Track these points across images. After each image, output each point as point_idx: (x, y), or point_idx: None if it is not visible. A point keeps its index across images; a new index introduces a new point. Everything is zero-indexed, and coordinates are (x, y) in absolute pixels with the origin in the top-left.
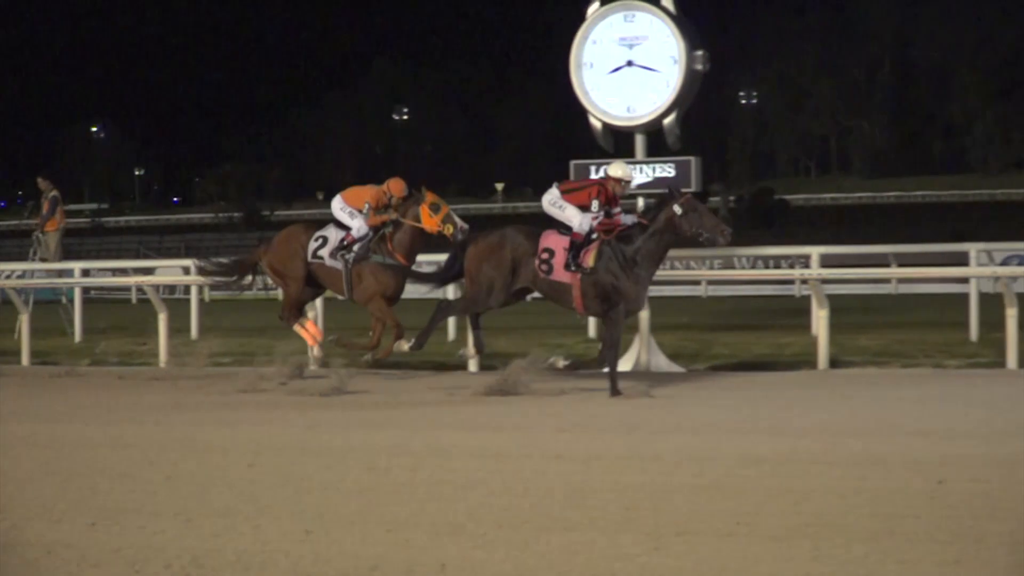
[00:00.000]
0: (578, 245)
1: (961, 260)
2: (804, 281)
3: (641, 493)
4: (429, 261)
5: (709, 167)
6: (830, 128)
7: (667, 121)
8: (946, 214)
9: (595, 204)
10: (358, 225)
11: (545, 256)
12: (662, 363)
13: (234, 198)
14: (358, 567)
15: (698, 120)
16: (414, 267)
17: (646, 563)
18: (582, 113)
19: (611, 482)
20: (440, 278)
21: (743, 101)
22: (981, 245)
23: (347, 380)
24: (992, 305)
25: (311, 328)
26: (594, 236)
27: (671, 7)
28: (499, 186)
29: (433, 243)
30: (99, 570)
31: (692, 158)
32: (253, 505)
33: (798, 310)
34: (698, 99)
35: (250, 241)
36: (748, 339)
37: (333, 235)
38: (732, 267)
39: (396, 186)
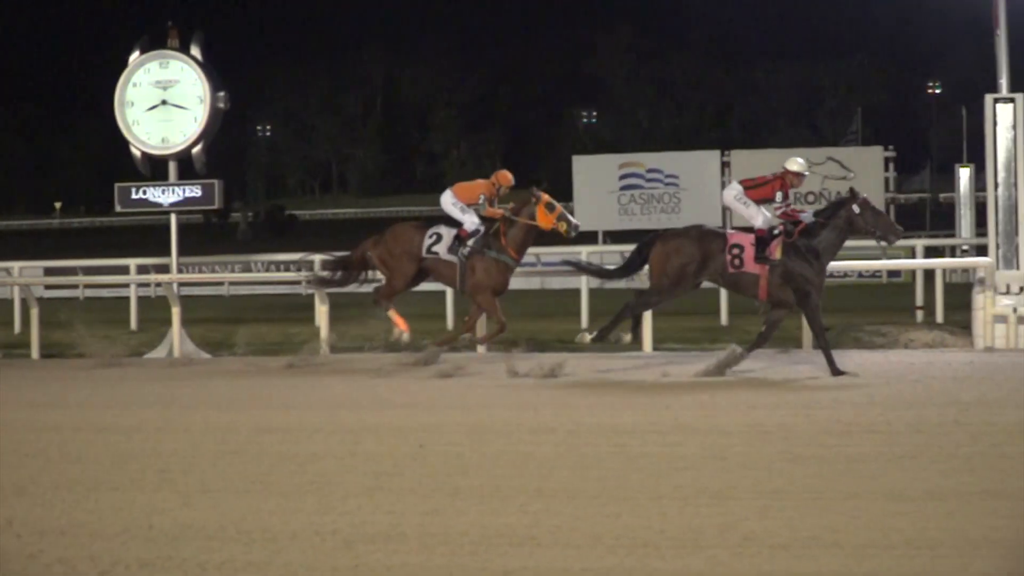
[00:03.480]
0: (764, 240)
1: None
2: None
3: (174, 459)
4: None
5: (230, 188)
6: (331, 155)
7: (195, 150)
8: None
9: (779, 196)
10: (469, 220)
11: (736, 251)
12: (191, 350)
13: None
14: None
15: (221, 149)
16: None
17: (177, 516)
18: (126, 143)
19: (150, 450)
20: (624, 273)
21: (259, 133)
22: None
23: None
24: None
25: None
26: (776, 232)
27: (198, 55)
28: (57, 205)
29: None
30: None
31: (216, 181)
32: None
33: (305, 305)
34: (221, 131)
35: None
36: (263, 330)
37: (446, 232)
38: (250, 270)
39: (504, 178)
